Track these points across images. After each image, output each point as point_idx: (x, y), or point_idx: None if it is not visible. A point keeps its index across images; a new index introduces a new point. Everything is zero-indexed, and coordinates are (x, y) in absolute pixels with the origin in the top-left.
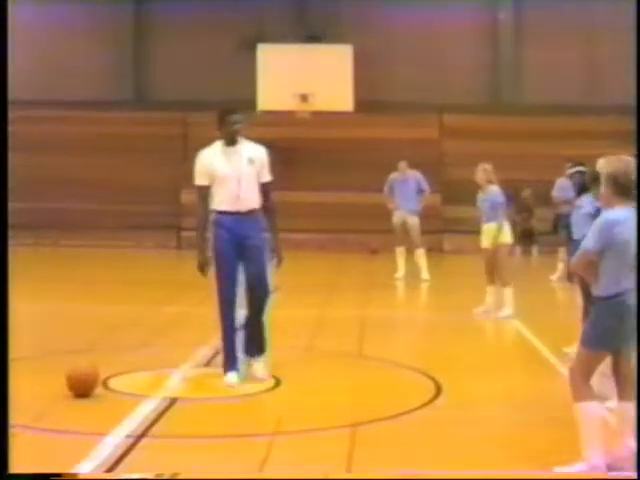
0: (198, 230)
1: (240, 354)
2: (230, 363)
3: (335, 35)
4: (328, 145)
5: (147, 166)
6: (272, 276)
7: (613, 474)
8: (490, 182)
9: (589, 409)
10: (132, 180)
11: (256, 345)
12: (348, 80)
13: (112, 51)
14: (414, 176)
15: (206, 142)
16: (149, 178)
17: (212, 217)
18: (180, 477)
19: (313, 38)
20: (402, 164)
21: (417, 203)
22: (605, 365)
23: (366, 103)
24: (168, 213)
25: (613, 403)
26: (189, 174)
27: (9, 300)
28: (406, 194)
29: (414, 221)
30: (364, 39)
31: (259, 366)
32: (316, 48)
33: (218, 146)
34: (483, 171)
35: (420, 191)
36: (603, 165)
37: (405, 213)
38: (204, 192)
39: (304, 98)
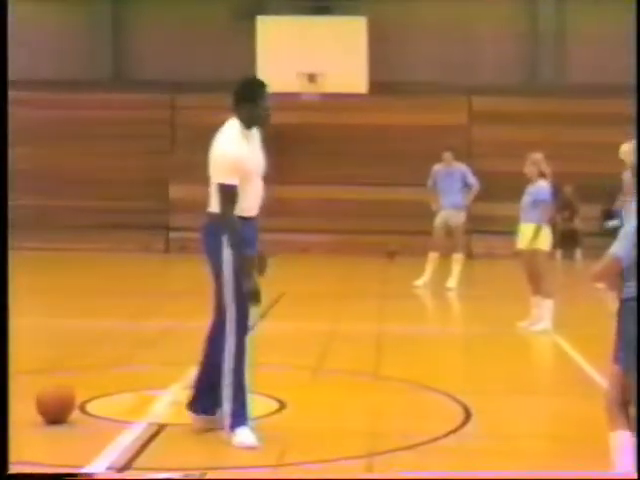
0: (237, 247)
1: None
2: (241, 418)
3: (346, 6)
4: (338, 132)
5: (128, 156)
6: None
7: (613, 474)
8: (542, 176)
9: (620, 440)
10: (111, 172)
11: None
12: (362, 58)
13: (86, 22)
14: (459, 169)
15: (196, 129)
16: (131, 170)
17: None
18: (208, 476)
19: (321, 9)
20: (447, 155)
21: (463, 199)
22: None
23: (382, 84)
24: (154, 210)
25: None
26: (177, 165)
27: None
28: (451, 188)
29: (459, 220)
30: (380, 10)
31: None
32: (325, 21)
33: (236, 129)
34: (533, 163)
35: (466, 186)
36: (629, 151)
37: (449, 211)
38: (234, 193)
39: (311, 78)
